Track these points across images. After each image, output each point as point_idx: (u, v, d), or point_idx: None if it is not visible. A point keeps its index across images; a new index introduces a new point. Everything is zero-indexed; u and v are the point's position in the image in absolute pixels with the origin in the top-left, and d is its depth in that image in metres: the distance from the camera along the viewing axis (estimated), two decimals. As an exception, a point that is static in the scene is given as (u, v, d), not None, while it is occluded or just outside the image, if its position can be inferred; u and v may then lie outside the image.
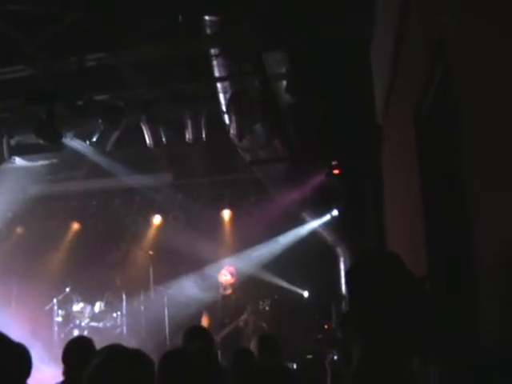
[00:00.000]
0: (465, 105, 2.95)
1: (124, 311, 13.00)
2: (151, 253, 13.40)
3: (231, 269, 10.80)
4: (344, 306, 12.65)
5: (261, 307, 12.11)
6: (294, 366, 10.38)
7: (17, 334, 4.21)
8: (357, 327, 2.33)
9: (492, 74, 2.49)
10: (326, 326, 12.56)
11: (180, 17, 7.06)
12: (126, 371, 2.73)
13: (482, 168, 2.71)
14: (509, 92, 2.24)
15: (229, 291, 10.61)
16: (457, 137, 3.10)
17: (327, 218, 12.67)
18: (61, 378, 5.14)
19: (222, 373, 3.81)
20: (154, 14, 7.07)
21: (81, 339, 5.72)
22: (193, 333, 6.06)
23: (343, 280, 13.25)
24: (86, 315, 12.86)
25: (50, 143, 8.92)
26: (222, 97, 8.38)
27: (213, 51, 7.59)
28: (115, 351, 2.86)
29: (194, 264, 13.11)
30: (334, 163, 10.14)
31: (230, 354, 6.08)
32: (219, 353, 8.94)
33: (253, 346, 6.69)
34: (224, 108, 8.51)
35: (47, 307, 13.10)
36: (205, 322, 10.22)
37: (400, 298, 2.26)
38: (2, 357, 3.66)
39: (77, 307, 12.91)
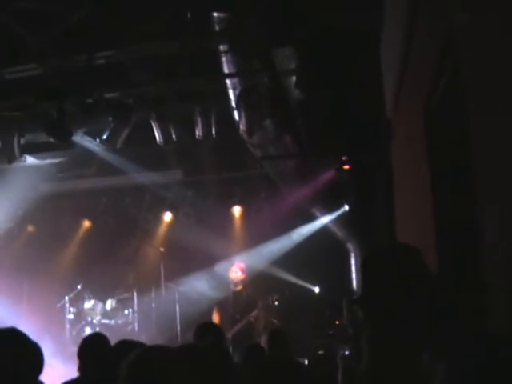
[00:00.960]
0: (474, 98, 2.94)
1: (135, 308, 13.04)
2: (162, 250, 13.43)
3: (241, 265, 10.81)
4: (350, 305, 12.63)
5: (271, 303, 12.12)
6: (306, 362, 10.37)
7: (28, 331, 4.23)
8: (367, 314, 2.33)
9: (502, 68, 2.48)
10: (337, 322, 12.55)
11: (189, 14, 7.06)
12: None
13: (491, 161, 2.70)
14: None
15: (239, 287, 10.63)
16: (466, 130, 3.09)
17: (337, 213, 12.67)
18: (73, 375, 5.16)
19: (233, 368, 3.82)
20: (163, 11, 7.07)
21: (97, 336, 5.73)
22: (204, 329, 6.07)
23: (354, 275, 13.25)
24: (98, 312, 12.90)
25: (61, 141, 8.95)
26: (231, 93, 8.38)
27: (221, 48, 7.59)
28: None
29: (205, 261, 13.12)
30: (343, 158, 10.12)
31: (241, 350, 6.10)
32: (230, 349, 8.95)
33: (263, 341, 6.71)
34: (233, 104, 8.51)
35: (59, 305, 13.17)
36: (216, 318, 10.23)
37: (415, 292, 2.26)
38: (16, 353, 3.69)
39: (88, 304, 12.95)
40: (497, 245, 2.63)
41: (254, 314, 10.33)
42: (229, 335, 9.59)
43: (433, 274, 2.39)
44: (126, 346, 4.85)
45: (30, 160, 11.76)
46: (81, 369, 5.17)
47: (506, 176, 2.47)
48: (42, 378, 4.28)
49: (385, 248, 2.61)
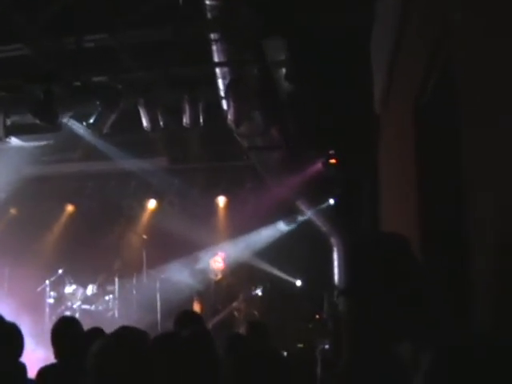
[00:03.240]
0: (464, 98, 2.93)
1: (116, 295, 13.00)
2: (145, 237, 13.42)
3: (223, 255, 10.82)
4: (336, 296, 12.65)
5: (253, 294, 12.13)
6: (284, 354, 10.39)
7: (8, 314, 4.21)
8: (351, 303, 2.32)
9: (493, 67, 2.47)
10: (317, 316, 12.58)
11: (180, 0, 7.00)
12: (131, 352, 2.74)
13: (480, 158, 2.70)
14: (510, 84, 2.22)
15: (220, 277, 10.62)
16: (455, 129, 3.09)
17: (322, 207, 12.67)
18: (52, 359, 5.13)
19: (215, 359, 3.81)
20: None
21: (67, 322, 5.62)
22: (184, 317, 6.05)
23: (336, 270, 13.27)
24: (78, 297, 12.85)
25: (47, 123, 8.87)
26: (220, 82, 8.34)
27: (213, 36, 7.54)
28: (121, 332, 2.88)
29: (188, 249, 13.11)
30: (330, 152, 10.12)
31: (221, 340, 6.09)
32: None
33: (242, 331, 6.70)
34: (222, 94, 8.48)
35: (39, 288, 13.09)
36: (196, 307, 10.23)
37: (401, 281, 2.26)
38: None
39: (69, 289, 12.90)
40: (484, 247, 2.63)
41: (235, 304, 10.33)
42: (209, 325, 9.59)
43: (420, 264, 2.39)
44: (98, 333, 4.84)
45: (14, 142, 11.66)
46: (57, 356, 5.12)
47: (495, 174, 2.47)
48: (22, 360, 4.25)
49: (372, 237, 2.60)
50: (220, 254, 10.87)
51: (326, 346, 8.97)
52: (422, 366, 2.12)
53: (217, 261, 10.67)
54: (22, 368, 4.21)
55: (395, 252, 2.36)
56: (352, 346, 2.38)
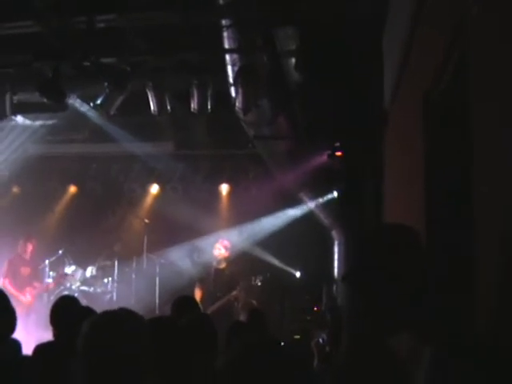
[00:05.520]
0: (478, 93, 2.89)
1: (115, 277, 13.00)
2: (147, 221, 13.41)
3: (226, 243, 10.80)
4: (335, 289, 12.67)
5: (253, 283, 12.14)
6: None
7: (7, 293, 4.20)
8: (354, 291, 2.31)
9: (510, 62, 2.43)
10: (315, 308, 12.60)
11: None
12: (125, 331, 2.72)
13: (491, 157, 2.67)
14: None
15: (222, 265, 10.62)
16: (466, 123, 3.05)
17: (325, 200, 12.65)
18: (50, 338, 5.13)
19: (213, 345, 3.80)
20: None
21: (67, 300, 5.63)
22: (182, 303, 6.05)
23: (336, 263, 13.28)
24: (77, 279, 12.84)
25: (54, 102, 8.85)
26: (230, 69, 8.30)
27: (224, 22, 7.50)
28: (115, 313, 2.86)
29: (189, 236, 13.13)
30: (336, 145, 10.09)
31: (220, 327, 6.09)
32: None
33: (242, 319, 6.70)
34: (231, 80, 8.44)
35: (39, 268, 13.09)
36: (198, 294, 10.23)
37: (407, 272, 2.24)
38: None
39: (68, 270, 12.89)
40: (492, 248, 2.60)
41: (234, 293, 10.32)
42: (208, 312, 9.60)
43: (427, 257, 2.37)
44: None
45: (20, 120, 11.64)
46: (55, 333, 5.13)
47: (504, 170, 2.44)
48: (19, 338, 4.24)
49: (380, 226, 2.58)
50: (223, 241, 10.85)
51: (321, 339, 8.96)
52: (422, 361, 2.11)
53: (220, 248, 10.65)
54: (17, 344, 4.19)
55: (401, 242, 2.34)
56: (351, 337, 2.36)
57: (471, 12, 2.89)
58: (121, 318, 2.82)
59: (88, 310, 5.07)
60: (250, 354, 2.10)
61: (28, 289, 11.52)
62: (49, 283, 12.26)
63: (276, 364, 2.09)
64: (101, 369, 2.60)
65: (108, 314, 2.84)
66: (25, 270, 11.65)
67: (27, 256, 11.80)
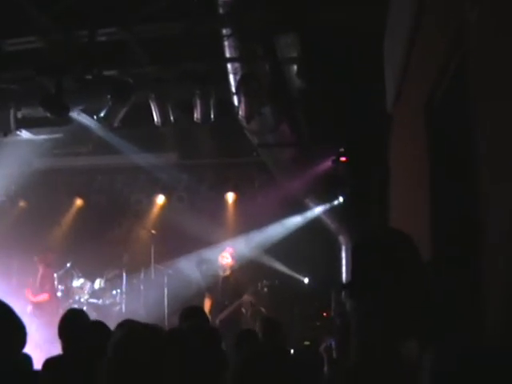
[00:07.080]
0: (479, 96, 2.89)
1: (123, 289, 13.01)
2: (153, 232, 13.41)
3: (231, 250, 10.80)
4: (344, 294, 12.63)
5: (260, 289, 12.11)
6: (291, 352, 10.37)
7: (17, 308, 4.19)
8: (355, 299, 2.31)
9: (509, 67, 2.43)
10: (324, 314, 12.56)
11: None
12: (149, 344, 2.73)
13: (493, 158, 2.66)
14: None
15: (228, 273, 10.61)
16: (468, 128, 3.05)
17: (331, 205, 12.64)
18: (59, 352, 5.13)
19: (221, 354, 3.79)
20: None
21: (74, 314, 5.61)
22: (190, 313, 6.04)
23: (344, 268, 13.25)
24: (86, 291, 12.85)
25: (57, 116, 8.88)
26: (232, 78, 8.32)
27: (225, 31, 7.52)
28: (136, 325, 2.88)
29: (196, 245, 13.11)
30: (341, 150, 10.09)
31: (229, 336, 6.08)
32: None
33: (257, 328, 6.69)
34: (233, 89, 8.45)
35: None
36: (207, 304, 10.22)
37: (406, 278, 2.24)
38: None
39: (77, 283, 12.91)
40: (496, 250, 2.60)
41: (241, 301, 10.30)
42: (216, 321, 9.59)
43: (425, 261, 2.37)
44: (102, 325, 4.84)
45: (25, 134, 11.68)
46: (64, 347, 5.12)
47: (507, 175, 2.44)
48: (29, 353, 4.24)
49: (376, 233, 2.57)
50: (228, 249, 10.85)
51: (330, 343, 8.94)
52: (427, 366, 2.10)
53: (225, 256, 10.65)
54: (28, 359, 4.19)
55: (395, 248, 2.34)
56: (359, 344, 2.36)
57: (471, 16, 2.90)
58: (148, 330, 2.83)
59: (97, 324, 5.07)
60: (256, 361, 2.10)
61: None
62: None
63: (283, 372, 2.09)
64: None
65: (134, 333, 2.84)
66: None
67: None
